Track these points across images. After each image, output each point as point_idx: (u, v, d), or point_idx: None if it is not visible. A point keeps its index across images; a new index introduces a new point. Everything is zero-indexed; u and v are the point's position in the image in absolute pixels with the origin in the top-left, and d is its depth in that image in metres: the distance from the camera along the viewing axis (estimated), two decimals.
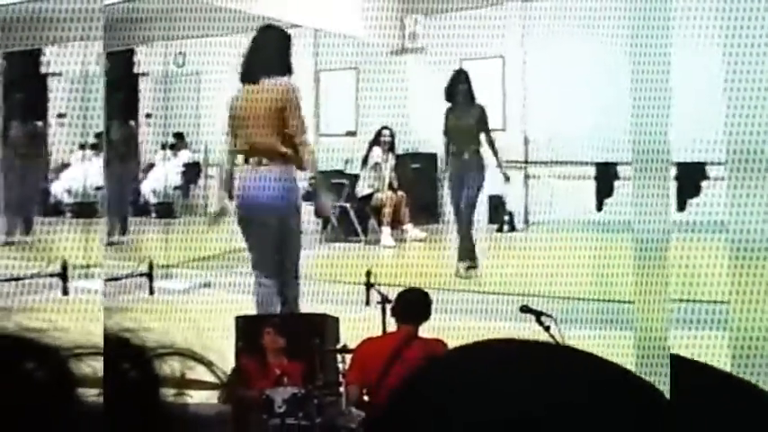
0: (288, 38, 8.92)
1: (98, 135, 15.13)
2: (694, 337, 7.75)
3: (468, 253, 11.43)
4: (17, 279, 8.51)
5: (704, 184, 11.28)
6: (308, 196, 14.95)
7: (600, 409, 0.93)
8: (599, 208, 12.07)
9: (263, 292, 8.58)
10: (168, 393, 0.94)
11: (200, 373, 1.02)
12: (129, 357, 0.93)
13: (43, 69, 16.68)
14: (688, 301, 8.89)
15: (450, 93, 11.76)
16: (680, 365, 1.01)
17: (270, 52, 8.66)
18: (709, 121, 8.76)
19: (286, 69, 8.74)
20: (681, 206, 11.44)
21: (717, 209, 9.18)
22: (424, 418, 0.94)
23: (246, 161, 8.64)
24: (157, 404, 0.94)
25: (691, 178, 11.35)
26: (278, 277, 8.56)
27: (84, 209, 14.62)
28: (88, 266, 10.98)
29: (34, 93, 16.09)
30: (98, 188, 14.35)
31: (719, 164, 8.72)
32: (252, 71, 8.69)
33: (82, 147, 15.34)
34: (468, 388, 0.93)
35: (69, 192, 15.09)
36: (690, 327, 8.38)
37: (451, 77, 11.89)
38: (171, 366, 0.95)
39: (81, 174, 15.02)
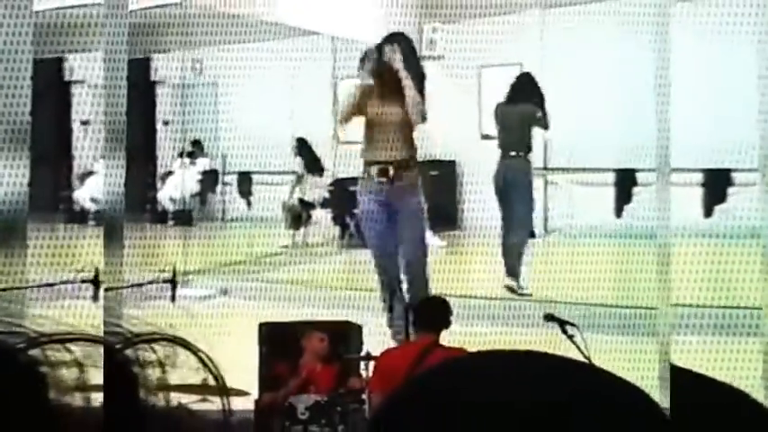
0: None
1: (194, 143, 15.18)
2: (725, 342, 7.73)
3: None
4: (139, 285, 8.56)
5: (733, 189, 11.24)
6: (325, 203, 14.97)
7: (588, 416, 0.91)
8: (618, 214, 12.04)
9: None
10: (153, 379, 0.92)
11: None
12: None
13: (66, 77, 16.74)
14: (721, 307, 8.86)
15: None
16: (680, 377, 0.99)
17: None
18: (742, 127, 8.73)
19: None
20: (707, 212, 11.41)
21: (750, 213, 9.16)
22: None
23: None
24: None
25: (717, 184, 11.32)
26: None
27: (183, 216, 14.73)
28: (186, 273, 11.08)
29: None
30: (194, 195, 14.43)
31: (753, 170, 8.69)
32: None
33: (180, 155, 15.40)
34: (469, 396, 0.92)
35: (173, 200, 15.14)
36: (724, 333, 8.35)
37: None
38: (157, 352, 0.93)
39: (180, 182, 15.08)
